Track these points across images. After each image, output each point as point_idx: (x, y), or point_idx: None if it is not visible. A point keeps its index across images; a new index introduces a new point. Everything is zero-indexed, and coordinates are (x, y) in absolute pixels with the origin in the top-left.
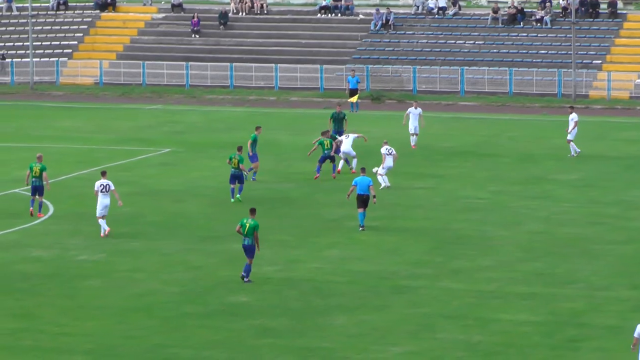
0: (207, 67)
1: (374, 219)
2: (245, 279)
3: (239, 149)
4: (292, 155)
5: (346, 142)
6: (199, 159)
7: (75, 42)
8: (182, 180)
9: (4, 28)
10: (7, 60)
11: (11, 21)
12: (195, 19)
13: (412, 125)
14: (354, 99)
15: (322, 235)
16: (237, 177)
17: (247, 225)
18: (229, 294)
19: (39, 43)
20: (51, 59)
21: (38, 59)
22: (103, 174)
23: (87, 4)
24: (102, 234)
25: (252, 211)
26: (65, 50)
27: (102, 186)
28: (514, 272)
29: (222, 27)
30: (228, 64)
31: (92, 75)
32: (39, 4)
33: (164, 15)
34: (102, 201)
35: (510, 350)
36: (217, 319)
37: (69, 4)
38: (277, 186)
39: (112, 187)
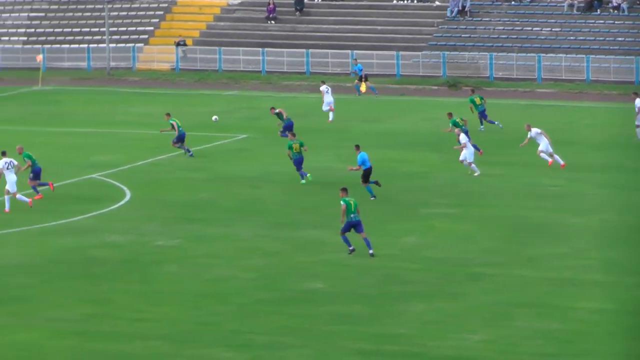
0: (283, 54)
1: (449, 207)
2: (370, 251)
3: (294, 134)
4: (368, 142)
5: None
6: (274, 145)
7: (152, 28)
8: (258, 167)
9: (80, 14)
10: (84, 45)
11: (87, 7)
12: (272, 5)
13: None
14: (363, 87)
15: (398, 222)
16: (302, 161)
17: (352, 202)
18: (304, 280)
19: (115, 29)
20: (127, 45)
21: (114, 45)
22: (4, 153)
23: None
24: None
25: (344, 190)
26: (141, 36)
27: (6, 164)
28: (589, 260)
29: (298, 13)
30: (304, 50)
31: (168, 61)
32: None
33: (240, 1)
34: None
35: (588, 339)
36: (292, 305)
37: None
38: (353, 172)
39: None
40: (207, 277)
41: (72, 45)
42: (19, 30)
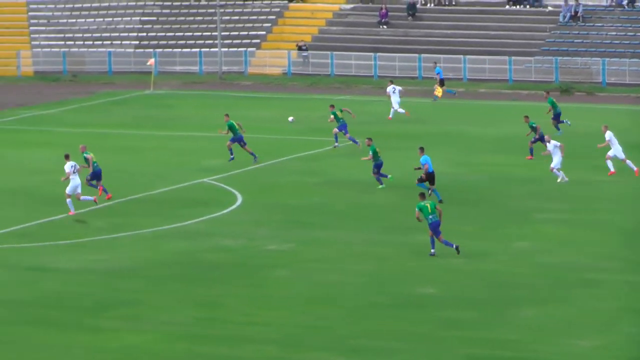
0: (395, 59)
1: (561, 212)
2: (455, 246)
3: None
4: (480, 147)
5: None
6: (386, 150)
7: (264, 33)
8: (369, 171)
9: (192, 18)
10: (195, 49)
11: (199, 11)
12: (384, 10)
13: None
14: (440, 91)
15: (510, 227)
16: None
17: (428, 205)
18: (415, 285)
19: (227, 33)
20: (239, 49)
21: (226, 49)
22: (67, 157)
23: None
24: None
25: (423, 195)
26: (253, 41)
27: (72, 167)
28: None
29: (410, 18)
30: (416, 55)
31: (280, 65)
32: None
33: (352, 5)
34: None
35: None
36: (403, 310)
37: None
38: (465, 177)
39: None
40: (318, 282)
41: (184, 50)
42: (131, 34)
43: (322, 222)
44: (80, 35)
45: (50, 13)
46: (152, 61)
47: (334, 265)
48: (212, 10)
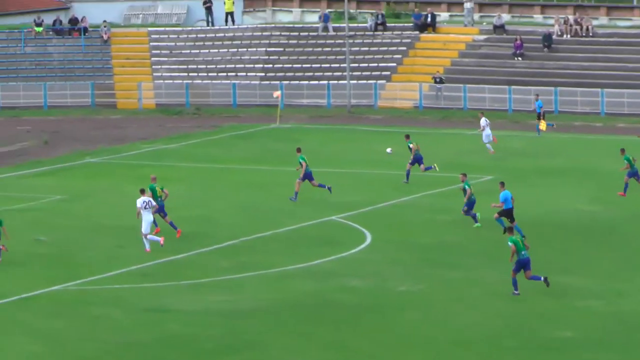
0: (530, 92)
1: None
2: (543, 279)
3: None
4: (616, 183)
5: None
6: (521, 187)
7: (394, 64)
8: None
9: (320, 49)
10: (323, 82)
11: (327, 41)
12: (518, 41)
13: None
14: (543, 125)
15: None
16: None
17: (520, 240)
18: (552, 327)
19: (356, 65)
20: (369, 82)
21: (355, 82)
22: (142, 191)
23: (405, 24)
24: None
25: (511, 229)
26: (383, 73)
27: (144, 203)
28: None
29: (546, 49)
30: (552, 88)
31: (411, 98)
32: (356, 24)
33: (485, 36)
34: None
35: None
36: (542, 354)
37: (387, 24)
38: (602, 214)
39: (154, 203)
40: (451, 324)
41: (311, 82)
42: (257, 65)
43: (455, 262)
44: (204, 66)
45: (173, 44)
46: (278, 93)
47: (468, 307)
48: (341, 41)
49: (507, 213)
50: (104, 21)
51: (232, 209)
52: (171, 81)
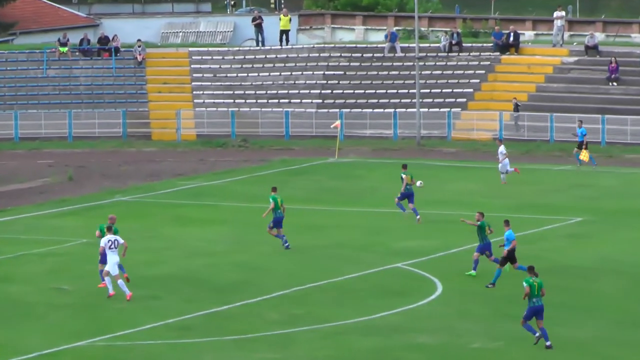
0: (627, 121)
1: None
2: (547, 343)
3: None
4: None
5: None
6: (616, 230)
7: (471, 90)
8: (595, 255)
9: (385, 72)
10: (389, 110)
11: (394, 64)
12: (614, 64)
13: None
14: (585, 155)
15: None
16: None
17: (536, 284)
18: None
19: (427, 91)
20: (441, 110)
21: (426, 110)
22: (109, 229)
23: (484, 44)
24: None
25: (531, 269)
26: (458, 100)
27: (110, 242)
28: None
29: None
30: None
31: (490, 129)
32: (427, 44)
33: (576, 59)
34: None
35: None
36: None
37: (464, 44)
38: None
39: (122, 242)
40: None
41: (375, 110)
42: (313, 91)
43: None
44: (252, 92)
45: (217, 66)
46: (337, 123)
47: None
48: (410, 64)
49: (509, 254)
50: (138, 40)
51: (282, 255)
52: (214, 109)
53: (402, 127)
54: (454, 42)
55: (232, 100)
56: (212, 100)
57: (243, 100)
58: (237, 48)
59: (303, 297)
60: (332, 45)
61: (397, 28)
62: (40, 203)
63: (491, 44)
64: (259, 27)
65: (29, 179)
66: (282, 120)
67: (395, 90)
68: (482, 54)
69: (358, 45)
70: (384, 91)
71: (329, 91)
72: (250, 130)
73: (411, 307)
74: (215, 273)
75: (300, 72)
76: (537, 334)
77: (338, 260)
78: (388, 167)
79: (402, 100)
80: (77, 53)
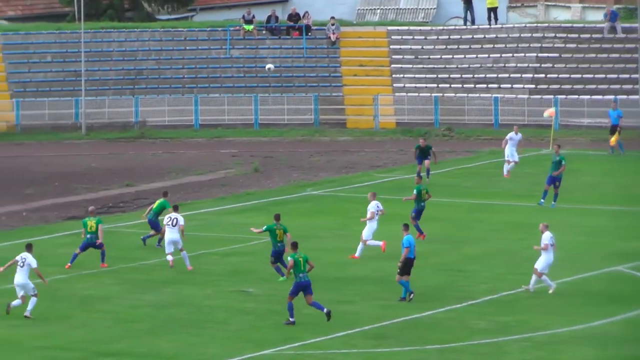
0: None
1: None
2: (325, 310)
3: None
4: None
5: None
6: None
7: None
8: None
9: (605, 55)
10: (609, 96)
11: (614, 46)
12: None
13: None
14: (613, 140)
15: None
16: None
17: (301, 259)
18: None
19: None
20: None
21: None
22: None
23: None
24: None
25: (295, 245)
26: None
27: (21, 260)
28: None
29: None
30: None
31: None
32: None
33: None
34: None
35: None
36: None
37: None
38: None
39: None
40: None
41: (594, 97)
42: (525, 75)
43: None
44: (458, 76)
45: (419, 47)
46: (551, 111)
47: None
48: (631, 46)
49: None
50: (332, 18)
51: (489, 256)
52: (416, 94)
53: (627, 115)
54: None
55: (435, 85)
56: (413, 85)
57: (447, 85)
58: (441, 27)
59: (512, 303)
60: (546, 24)
61: (617, 6)
62: (222, 197)
63: None
64: (468, 4)
65: (209, 170)
66: (490, 107)
67: (615, 75)
68: None
69: (574, 25)
70: (603, 76)
71: (543, 75)
72: (456, 117)
73: (632, 315)
74: (416, 276)
75: (511, 54)
76: (293, 320)
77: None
78: (608, 160)
79: (623, 86)
80: (263, 31)
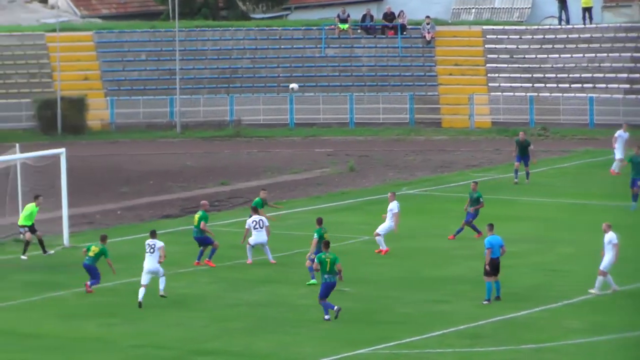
0: None
1: None
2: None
3: None
4: None
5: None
6: None
7: None
8: None
9: None
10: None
11: None
12: None
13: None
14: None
15: None
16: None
17: (328, 260)
18: None
19: None
20: None
21: None
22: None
23: None
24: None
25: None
26: None
27: (149, 246)
28: None
29: None
30: None
31: None
32: None
33: None
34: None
35: None
36: None
37: None
38: None
39: (160, 245)
40: None
41: None
42: (620, 75)
43: None
44: (553, 75)
45: (514, 46)
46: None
47: None
48: None
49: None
50: (427, 17)
51: (585, 256)
52: (511, 93)
53: None
54: None
55: (530, 85)
56: (509, 84)
57: (542, 85)
58: (536, 26)
59: (607, 302)
60: None
61: None
62: (317, 196)
63: None
64: (563, 4)
65: (305, 169)
66: (585, 107)
67: None
68: None
69: None
70: None
71: (638, 75)
72: (551, 117)
73: None
74: (511, 275)
75: (606, 54)
76: (336, 307)
77: None
78: None
79: None
80: (358, 30)
